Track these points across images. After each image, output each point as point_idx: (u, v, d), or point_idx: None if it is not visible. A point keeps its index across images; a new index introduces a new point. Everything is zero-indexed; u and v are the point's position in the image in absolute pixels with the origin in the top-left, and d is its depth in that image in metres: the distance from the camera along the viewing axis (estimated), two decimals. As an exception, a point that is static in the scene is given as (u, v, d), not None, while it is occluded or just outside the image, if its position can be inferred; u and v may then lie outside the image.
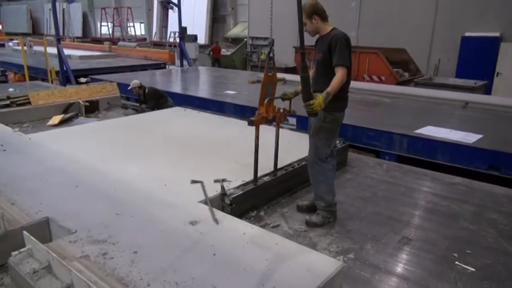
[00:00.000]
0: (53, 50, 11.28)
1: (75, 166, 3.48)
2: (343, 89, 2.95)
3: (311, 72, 3.09)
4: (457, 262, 2.66)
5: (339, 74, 2.84)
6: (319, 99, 2.67)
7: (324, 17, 3.01)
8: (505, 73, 10.75)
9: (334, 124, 3.07)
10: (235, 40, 19.51)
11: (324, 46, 2.96)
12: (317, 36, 3.10)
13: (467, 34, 11.23)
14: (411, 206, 3.52)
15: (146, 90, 7.01)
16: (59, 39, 10.71)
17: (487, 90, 10.24)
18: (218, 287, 1.91)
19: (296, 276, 2.01)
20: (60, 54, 10.40)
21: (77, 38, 25.51)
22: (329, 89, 2.78)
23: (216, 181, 3.22)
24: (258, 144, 3.15)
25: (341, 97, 2.98)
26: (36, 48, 15.48)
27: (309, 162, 3.17)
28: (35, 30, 31.65)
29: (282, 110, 3.24)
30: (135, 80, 7.13)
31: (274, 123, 3.35)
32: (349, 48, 2.92)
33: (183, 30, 13.78)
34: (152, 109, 6.59)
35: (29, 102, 6.28)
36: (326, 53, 2.93)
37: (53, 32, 18.20)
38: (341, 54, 2.85)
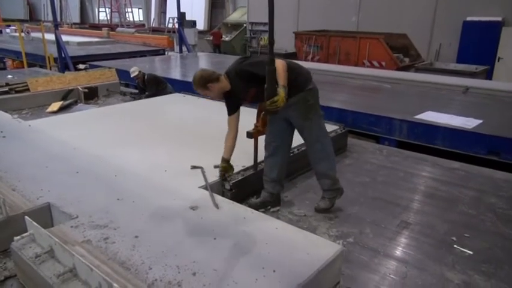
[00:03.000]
0: (50, 37, 11.17)
1: (75, 153, 3.49)
2: (292, 68, 2.80)
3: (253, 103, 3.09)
4: (455, 245, 2.68)
5: (278, 66, 2.64)
6: (282, 94, 2.59)
7: (216, 77, 2.86)
8: (506, 58, 10.65)
9: (316, 96, 2.97)
10: (235, 26, 19.32)
11: (243, 86, 2.86)
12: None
13: (468, 19, 11.09)
14: (410, 190, 3.54)
15: (145, 77, 6.98)
16: (56, 26, 10.59)
17: (488, 75, 10.19)
18: (219, 271, 1.93)
19: (296, 260, 2.03)
20: (58, 41, 10.30)
21: (75, 24, 25.22)
22: (281, 82, 2.63)
23: (216, 167, 3.22)
24: (257, 154, 3.23)
25: (299, 74, 2.87)
26: (34, 34, 15.30)
27: (311, 144, 3.00)
28: (32, 17, 31.24)
29: None
30: (134, 67, 7.09)
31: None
32: (250, 61, 2.88)
33: (181, 15, 13.64)
34: (152, 95, 6.57)
35: (28, 89, 6.26)
36: (251, 85, 2.82)
37: (50, 18, 18.05)
38: (257, 65, 2.76)
